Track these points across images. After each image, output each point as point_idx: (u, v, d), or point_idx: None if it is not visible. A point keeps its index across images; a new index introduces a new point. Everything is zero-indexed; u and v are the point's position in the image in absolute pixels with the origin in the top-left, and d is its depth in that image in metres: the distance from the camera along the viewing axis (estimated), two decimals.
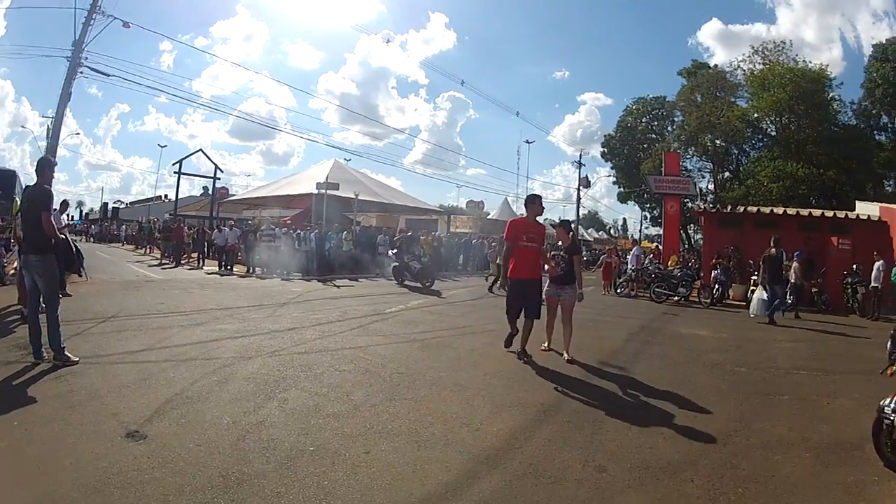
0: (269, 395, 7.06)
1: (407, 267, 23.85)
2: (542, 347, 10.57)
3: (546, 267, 10.35)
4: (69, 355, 7.89)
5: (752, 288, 21.64)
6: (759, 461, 5.71)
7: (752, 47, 54.24)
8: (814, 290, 22.21)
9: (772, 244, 17.54)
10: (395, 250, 24.95)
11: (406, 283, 23.48)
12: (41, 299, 8.08)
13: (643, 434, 6.37)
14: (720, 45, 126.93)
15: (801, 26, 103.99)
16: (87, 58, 24.69)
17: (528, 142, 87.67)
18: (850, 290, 21.72)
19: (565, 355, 10.07)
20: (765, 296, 17.09)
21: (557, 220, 12.42)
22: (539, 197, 10.42)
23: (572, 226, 11.73)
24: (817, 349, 13.30)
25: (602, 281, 27.03)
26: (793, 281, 20.15)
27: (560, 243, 10.55)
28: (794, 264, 20.36)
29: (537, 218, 10.46)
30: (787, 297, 18.97)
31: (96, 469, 4.63)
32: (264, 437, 5.61)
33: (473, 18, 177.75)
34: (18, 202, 11.87)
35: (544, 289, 10.40)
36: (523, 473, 5.09)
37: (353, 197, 33.82)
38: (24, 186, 10.22)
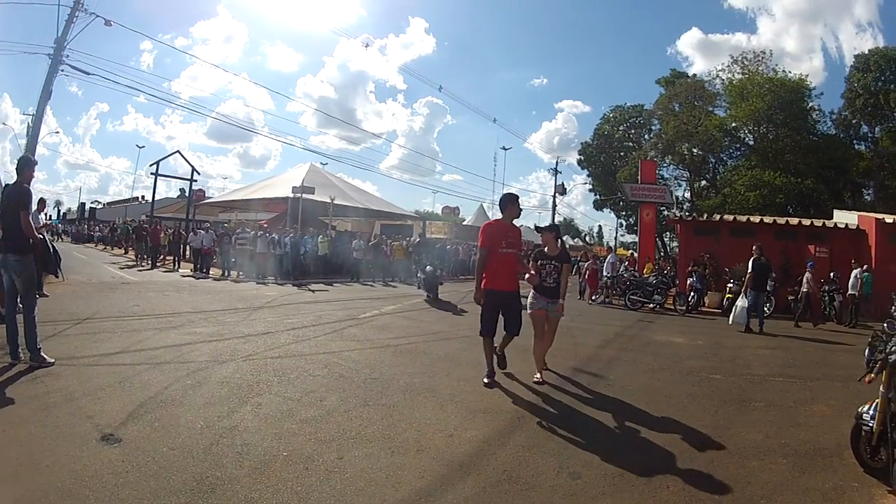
0: (242, 399, 7.07)
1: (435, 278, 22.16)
2: (535, 379, 8.94)
3: (527, 276, 9.22)
4: (45, 356, 7.90)
5: (727, 295, 21.83)
6: (736, 468, 5.74)
7: (732, 57, 54.98)
8: (790, 297, 22.36)
9: (758, 252, 17.58)
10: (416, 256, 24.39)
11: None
12: (18, 299, 8.08)
13: (618, 440, 6.47)
14: (699, 54, 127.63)
15: (782, 36, 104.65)
16: (68, 55, 24.52)
17: (504, 148, 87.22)
18: (827, 298, 21.84)
19: (537, 376, 9.03)
20: (746, 303, 17.05)
21: (533, 227, 11.41)
22: (517, 197, 9.11)
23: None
24: (793, 356, 13.39)
25: (588, 288, 26.81)
26: (805, 290, 20.37)
27: (547, 250, 9.38)
28: (808, 275, 20.54)
29: (514, 221, 9.20)
30: (767, 306, 19.07)
31: (72, 472, 4.63)
32: (238, 441, 5.62)
33: (453, 24, 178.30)
34: None
35: (528, 301, 9.12)
36: (497, 480, 5.10)
37: (329, 201, 33.96)
38: (2, 185, 10.17)
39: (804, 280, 20.51)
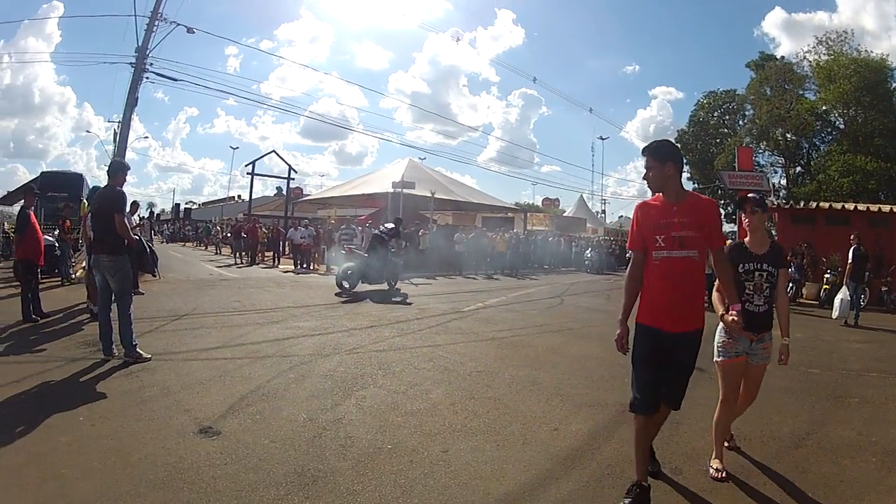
0: (346, 392, 7.03)
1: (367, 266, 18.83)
2: (714, 472, 5.14)
3: (726, 317, 4.93)
4: (141, 352, 7.94)
5: (825, 287, 21.13)
6: (829, 465, 5.60)
7: (817, 38, 53.47)
8: (883, 288, 21.55)
9: (857, 241, 16.85)
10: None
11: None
12: (112, 297, 8.13)
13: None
14: (785, 34, 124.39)
15: (860, 14, 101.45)
16: (151, 63, 24.97)
17: (601, 138, 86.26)
18: None
19: (716, 465, 5.23)
20: (848, 295, 16.37)
21: (736, 199, 8.33)
22: (676, 148, 4.76)
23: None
24: (889, 350, 12.86)
25: None
26: None
27: (749, 244, 5.40)
28: None
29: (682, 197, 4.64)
30: (862, 298, 18.39)
31: (165, 464, 4.62)
32: (341, 434, 5.58)
33: (541, 14, 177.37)
34: (86, 204, 11.99)
35: (715, 341, 5.36)
36: (601, 475, 5.02)
37: (430, 195, 34.02)
38: (91, 188, 10.30)
39: None
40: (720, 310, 5.03)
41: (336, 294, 17.17)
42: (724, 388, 5.32)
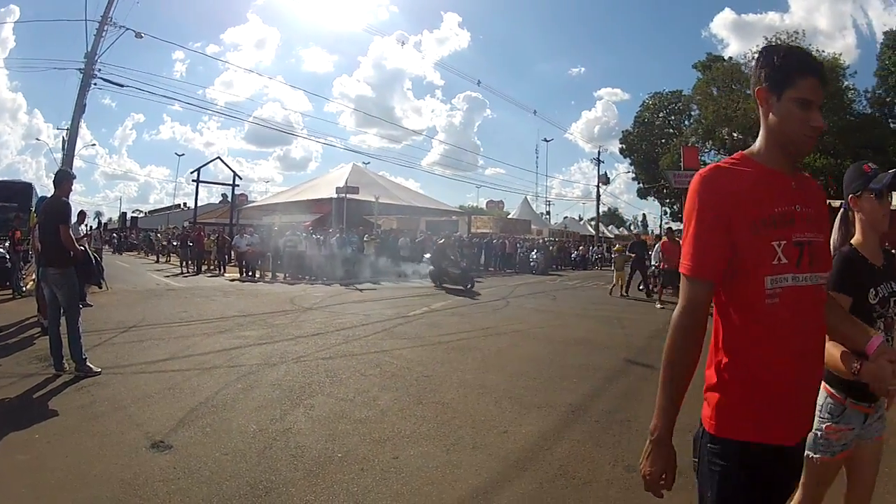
0: (295, 401, 7.01)
1: (445, 272, 23.84)
2: None
3: (833, 355, 2.64)
4: (91, 366, 7.86)
5: None
6: None
7: (766, 38, 54.25)
8: None
9: None
10: (428, 255, 25.30)
11: (445, 285, 23.61)
12: (61, 311, 8.05)
13: (674, 431, 6.27)
14: (734, 35, 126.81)
15: (813, 14, 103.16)
16: (100, 69, 24.88)
17: (546, 140, 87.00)
18: None
19: None
20: None
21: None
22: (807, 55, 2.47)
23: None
24: None
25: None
26: None
27: (867, 255, 3.12)
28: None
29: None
30: None
31: (121, 481, 4.59)
32: (291, 444, 5.58)
33: (487, 17, 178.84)
34: (35, 215, 11.88)
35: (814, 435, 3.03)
36: (554, 475, 5.04)
37: (374, 200, 34.00)
38: (39, 198, 10.21)
39: None
40: (844, 363, 2.62)
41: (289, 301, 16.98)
42: (811, 493, 3.16)
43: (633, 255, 23.75)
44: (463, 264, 24.57)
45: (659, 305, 18.62)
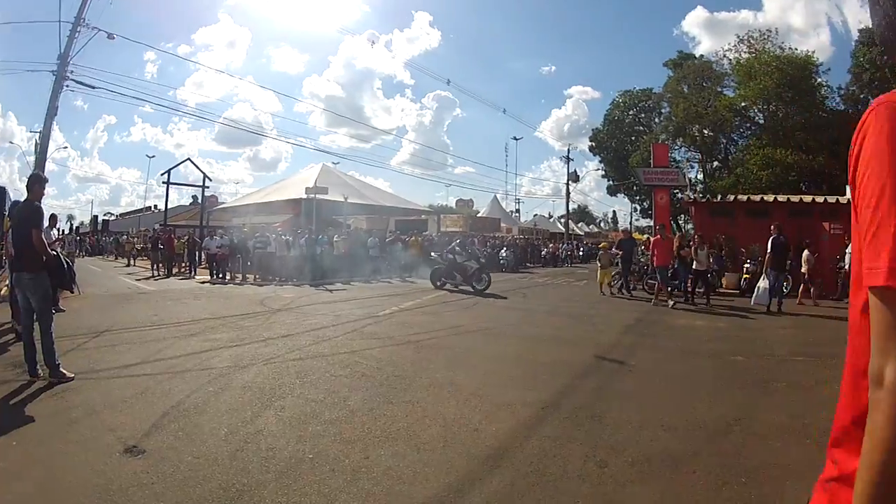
0: (265, 403, 7.03)
1: (462, 268, 22.97)
2: None
3: None
4: (65, 371, 7.84)
5: (745, 276, 21.70)
6: (762, 450, 5.70)
7: (738, 36, 54.39)
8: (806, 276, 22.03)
9: (777, 231, 17.59)
10: (439, 253, 25.31)
11: (446, 287, 23.18)
12: (34, 316, 8.02)
13: (643, 427, 6.35)
14: (706, 33, 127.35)
15: (787, 12, 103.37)
16: (72, 71, 24.74)
17: (515, 138, 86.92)
18: (842, 275, 21.58)
19: None
20: (768, 284, 16.99)
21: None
22: None
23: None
24: (813, 335, 13.26)
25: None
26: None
27: None
28: (806, 253, 20.31)
29: None
30: (785, 285, 18.95)
31: (96, 487, 4.60)
32: (263, 446, 5.60)
33: (458, 16, 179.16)
34: (8, 219, 11.81)
35: None
36: (525, 472, 5.08)
37: (343, 200, 33.89)
38: (12, 202, 10.16)
39: (803, 259, 20.29)
40: None
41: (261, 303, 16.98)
42: None
43: (619, 253, 23.49)
44: (482, 259, 24.43)
45: (671, 303, 18.68)
